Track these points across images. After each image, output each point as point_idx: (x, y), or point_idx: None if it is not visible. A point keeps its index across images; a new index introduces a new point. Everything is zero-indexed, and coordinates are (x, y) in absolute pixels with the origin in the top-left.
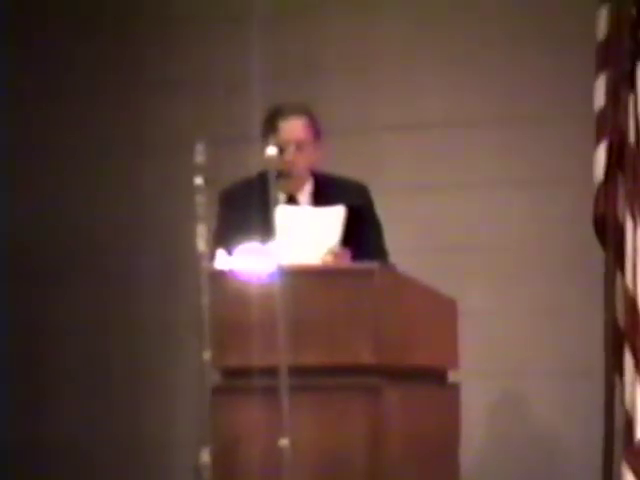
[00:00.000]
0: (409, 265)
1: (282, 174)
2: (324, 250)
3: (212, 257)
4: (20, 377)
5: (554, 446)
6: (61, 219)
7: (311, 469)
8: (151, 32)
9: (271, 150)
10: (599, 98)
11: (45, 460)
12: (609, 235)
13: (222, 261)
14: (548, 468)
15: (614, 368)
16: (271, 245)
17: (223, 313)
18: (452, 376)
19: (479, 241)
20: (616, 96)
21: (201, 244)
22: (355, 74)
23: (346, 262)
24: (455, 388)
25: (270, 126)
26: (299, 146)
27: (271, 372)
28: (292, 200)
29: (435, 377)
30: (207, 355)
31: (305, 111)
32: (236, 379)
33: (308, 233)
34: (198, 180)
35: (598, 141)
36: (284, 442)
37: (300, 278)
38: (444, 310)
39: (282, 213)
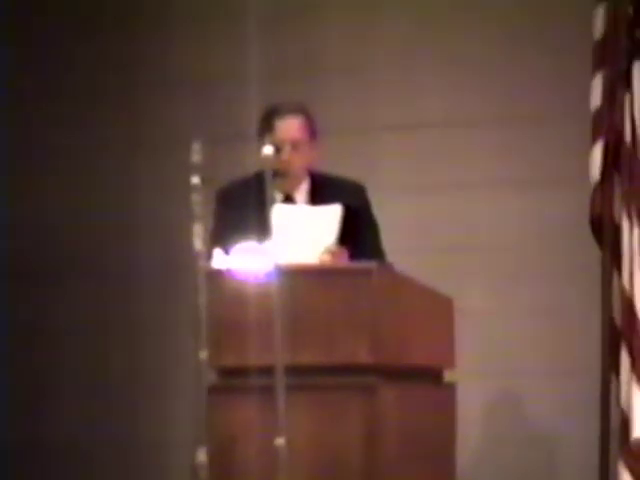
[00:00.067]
0: (408, 265)
1: (279, 173)
2: (321, 249)
3: (209, 256)
4: (20, 377)
5: (550, 445)
6: (61, 219)
7: (307, 468)
8: (150, 32)
9: (267, 149)
10: (595, 97)
11: (45, 460)
12: (606, 235)
13: (219, 260)
14: (544, 467)
15: (610, 367)
16: (268, 244)
17: (220, 312)
18: (449, 375)
19: (478, 241)
20: (612, 95)
21: (198, 243)
22: (354, 74)
23: (343, 261)
24: (451, 387)
25: (266, 125)
26: (295, 145)
27: (268, 371)
28: (289, 199)
29: (432, 376)
30: (204, 354)
31: (301, 110)
32: (233, 378)
33: (305, 232)
34: (195, 179)
35: (594, 141)
36: (280, 441)
37: (297, 277)
38: (441, 309)
39: (279, 212)
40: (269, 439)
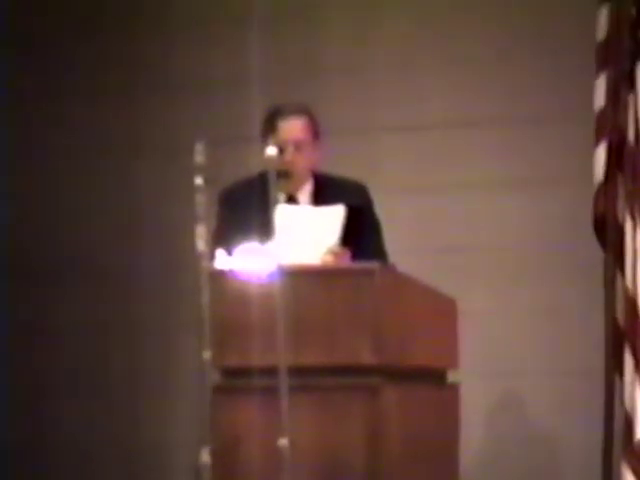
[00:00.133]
0: (409, 265)
1: (282, 174)
2: (324, 250)
3: (212, 257)
4: (20, 377)
5: (554, 446)
6: (61, 219)
7: (310, 469)
8: (151, 32)
9: (271, 150)
10: (599, 98)
11: (45, 460)
12: (609, 235)
13: (222, 261)
14: (548, 468)
15: (614, 368)
16: (271, 245)
17: (223, 313)
18: (452, 376)
19: (479, 241)
20: (616, 96)
21: (201, 244)
22: (355, 75)
23: (346, 262)
24: (455, 388)
25: (269, 126)
26: (298, 146)
27: (271, 372)
28: (292, 200)
29: (435, 377)
30: (207, 355)
31: (304, 111)
32: (236, 379)
33: (308, 233)
34: (198, 180)
35: (598, 141)
36: (283, 442)
37: (300, 278)
38: (444, 310)
39: (282, 213)
40: (272, 439)
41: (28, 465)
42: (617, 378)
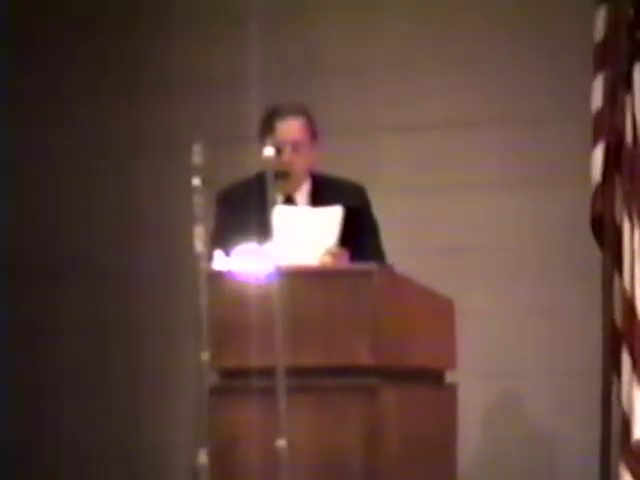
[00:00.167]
0: (408, 266)
1: (279, 175)
2: (322, 250)
3: (210, 258)
4: (20, 377)
5: (552, 446)
6: (61, 219)
7: (309, 470)
8: (150, 32)
9: (268, 151)
10: (596, 99)
11: (45, 460)
12: (606, 236)
13: (220, 262)
14: (546, 468)
15: (612, 369)
16: (269, 246)
17: (221, 314)
18: (450, 376)
19: (478, 241)
20: (613, 97)
21: (199, 245)
22: (354, 74)
23: (344, 262)
24: (453, 388)
25: (267, 127)
26: (296, 147)
27: (269, 373)
28: (290, 201)
29: (433, 378)
30: (205, 356)
31: (302, 112)
32: (234, 380)
33: (306, 233)
34: (196, 181)
35: (595, 142)
36: (281, 443)
37: (298, 279)
38: (442, 310)
39: (280, 213)
40: (270, 440)
41: (28, 465)
42: (615, 378)
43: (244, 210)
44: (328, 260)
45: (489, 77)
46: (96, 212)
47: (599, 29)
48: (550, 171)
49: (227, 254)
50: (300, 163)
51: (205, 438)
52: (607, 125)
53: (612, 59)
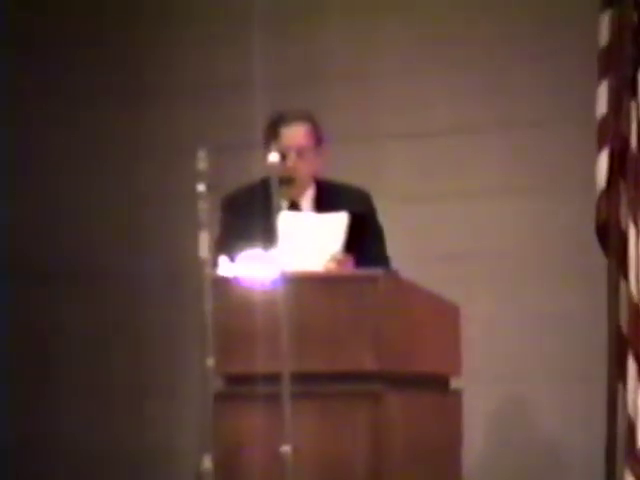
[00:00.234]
0: (412, 272)
1: (284, 181)
2: (327, 256)
3: (215, 264)
4: (20, 377)
5: (556, 453)
6: (61, 219)
7: (313, 476)
8: (152, 35)
9: (273, 157)
10: (601, 105)
11: (45, 460)
12: (612, 242)
13: (225, 268)
14: (550, 475)
15: (617, 375)
16: (274, 251)
17: (226, 320)
18: (454, 382)
19: (482, 248)
20: (618, 103)
21: (204, 251)
22: (358, 81)
23: (349, 268)
24: (457, 394)
25: (272, 132)
26: (300, 153)
27: (274, 379)
28: (294, 206)
29: (438, 384)
30: (210, 361)
31: (307, 118)
32: (239, 385)
33: (311, 239)
34: (201, 187)
35: (600, 148)
36: (286, 449)
37: (303, 285)
38: (447, 317)
39: (285, 219)
40: (275, 446)
41: (28, 465)
42: (620, 384)
43: (249, 216)
44: (333, 266)
45: (492, 84)
46: (96, 213)
47: (603, 35)
48: (555, 177)
49: (232, 260)
50: (305, 169)
51: (210, 444)
52: (612, 131)
53: (616, 65)
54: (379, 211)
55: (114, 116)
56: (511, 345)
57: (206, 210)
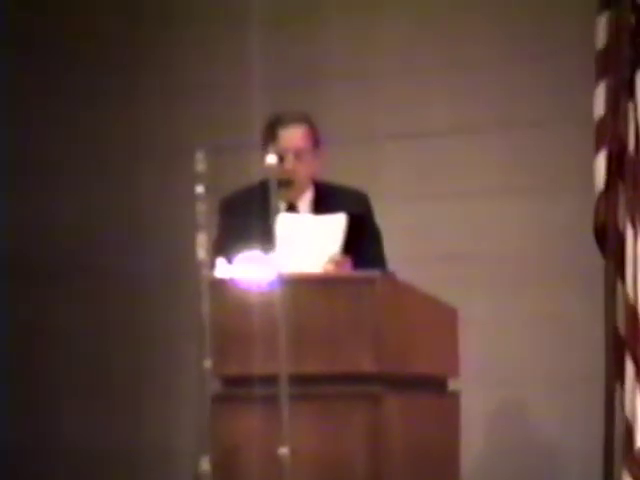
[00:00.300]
0: (410, 274)
1: (282, 182)
2: (325, 258)
3: (212, 265)
4: (20, 377)
5: (554, 454)
6: (61, 219)
7: (311, 478)
8: (151, 36)
9: (271, 158)
10: (599, 106)
11: (45, 460)
12: (609, 243)
13: (223, 269)
14: (548, 476)
15: (615, 376)
16: (272, 253)
17: (224, 321)
18: (452, 384)
19: (480, 249)
20: (616, 104)
21: (201, 252)
22: (356, 81)
23: (347, 270)
24: (455, 396)
25: (270, 134)
26: (298, 155)
27: (271, 380)
28: (292, 208)
29: (435, 385)
30: (207, 363)
31: (305, 120)
32: (236, 387)
33: (309, 241)
34: (199, 188)
35: (598, 150)
36: (284, 451)
37: (301, 286)
38: (445, 318)
39: (283, 221)
40: (273, 448)
41: (28, 465)
42: (618, 386)
43: (247, 218)
44: (331, 268)
45: (492, 84)
46: (96, 213)
47: (601, 37)
48: (553, 179)
49: (230, 261)
50: (303, 171)
51: (207, 445)
52: (609, 133)
53: (614, 67)
54: (378, 211)
55: (114, 116)
56: (509, 346)
57: (204, 212)
